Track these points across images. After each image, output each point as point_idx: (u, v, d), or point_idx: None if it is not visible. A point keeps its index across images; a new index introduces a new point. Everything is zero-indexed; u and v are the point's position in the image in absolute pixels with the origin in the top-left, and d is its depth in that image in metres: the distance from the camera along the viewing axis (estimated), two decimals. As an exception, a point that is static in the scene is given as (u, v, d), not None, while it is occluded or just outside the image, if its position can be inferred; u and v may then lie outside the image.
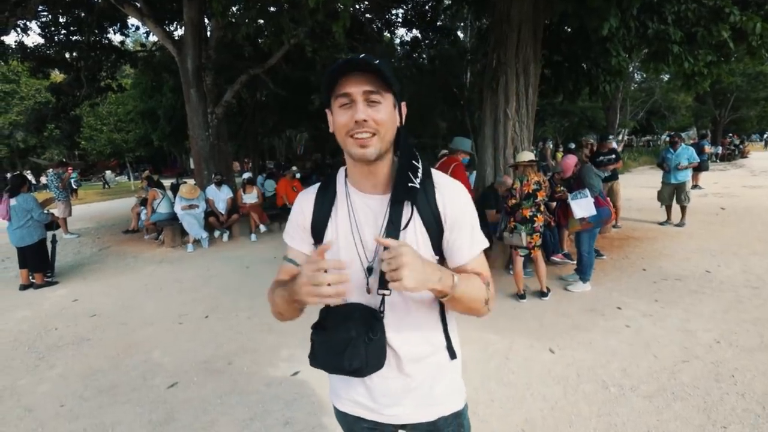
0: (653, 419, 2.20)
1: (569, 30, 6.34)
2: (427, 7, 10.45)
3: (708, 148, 15.64)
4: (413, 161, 0.92)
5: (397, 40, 16.18)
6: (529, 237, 3.78)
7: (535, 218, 3.78)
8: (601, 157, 6.82)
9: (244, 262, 5.94)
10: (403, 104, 0.93)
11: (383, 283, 0.86)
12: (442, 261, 0.97)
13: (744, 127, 27.79)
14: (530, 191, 3.76)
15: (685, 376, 2.57)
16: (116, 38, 10.06)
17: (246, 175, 7.91)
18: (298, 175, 8.32)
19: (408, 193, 0.89)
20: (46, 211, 5.38)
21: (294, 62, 10.50)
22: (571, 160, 4.76)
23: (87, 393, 2.73)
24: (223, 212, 7.42)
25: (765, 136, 32.78)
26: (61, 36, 9.01)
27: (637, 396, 2.40)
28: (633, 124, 23.41)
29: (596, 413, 2.27)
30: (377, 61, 0.82)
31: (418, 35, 11.91)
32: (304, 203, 1.01)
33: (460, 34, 15.08)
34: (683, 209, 6.71)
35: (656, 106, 24.04)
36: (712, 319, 3.35)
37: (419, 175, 0.91)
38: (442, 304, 0.98)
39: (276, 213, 8.07)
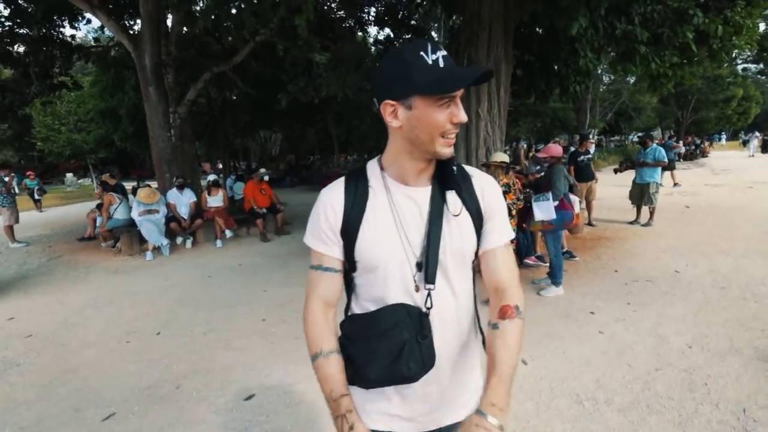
0: (628, 436, 2.08)
1: (540, 30, 6.33)
2: (399, 6, 10.31)
3: (677, 144, 16.30)
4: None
5: (371, 39, 15.97)
6: (498, 241, 3.66)
7: (506, 222, 3.65)
8: (582, 157, 6.85)
9: (206, 271, 5.59)
10: None
11: (430, 276, 0.86)
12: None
13: (704, 127, 29.13)
14: None
15: (660, 386, 2.48)
16: (68, 32, 9.41)
17: (210, 177, 7.51)
18: (266, 178, 7.97)
19: (455, 181, 0.91)
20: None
21: (265, 60, 10.11)
22: (557, 148, 4.59)
23: (6, 431, 2.38)
24: (185, 217, 7.01)
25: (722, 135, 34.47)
26: (5, 28, 8.30)
27: (611, 410, 2.28)
28: (602, 124, 24.13)
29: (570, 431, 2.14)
30: (489, 72, 0.80)
31: (391, 34, 11.75)
32: (333, 198, 0.92)
33: (434, 33, 15.02)
34: (650, 210, 6.81)
35: (624, 107, 24.89)
36: (683, 322, 3.31)
37: (455, 164, 0.92)
38: (475, 295, 0.99)
39: (243, 217, 7.71)
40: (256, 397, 2.57)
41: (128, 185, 10.80)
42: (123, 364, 3.10)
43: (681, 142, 20.99)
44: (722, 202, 8.56)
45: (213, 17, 5.67)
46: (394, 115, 0.83)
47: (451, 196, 0.91)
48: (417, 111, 0.80)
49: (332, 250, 0.92)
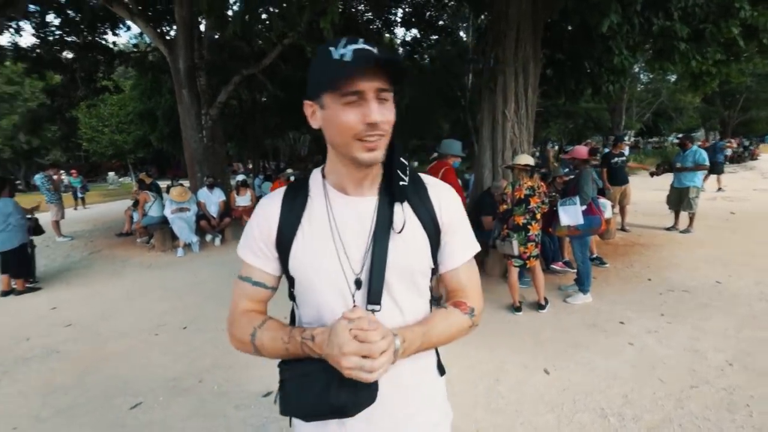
0: (657, 457, 1.96)
1: (571, 28, 6.11)
2: (426, 6, 10.25)
3: (730, 144, 15.20)
4: (401, 158, 0.83)
5: (398, 41, 15.97)
6: (522, 246, 3.55)
7: (529, 226, 3.54)
8: (615, 159, 6.58)
9: (234, 268, 5.74)
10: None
11: (373, 297, 0.78)
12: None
13: (754, 128, 27.24)
14: (522, 197, 3.52)
15: (694, 405, 2.32)
16: (111, 38, 9.97)
17: (239, 177, 7.73)
18: (292, 178, 8.11)
19: (402, 192, 0.82)
20: (28, 216, 5.24)
21: (293, 63, 10.32)
22: (582, 150, 4.42)
23: (44, 413, 2.54)
24: (215, 215, 7.25)
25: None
26: (55, 36, 8.89)
27: (639, 428, 2.16)
28: (639, 125, 23.04)
29: (593, 448, 2.04)
30: (392, 56, 0.72)
31: (418, 35, 11.70)
32: (268, 208, 0.85)
33: (462, 34, 14.85)
34: (689, 216, 6.42)
35: (663, 107, 23.64)
36: (723, 337, 3.09)
37: (407, 173, 0.84)
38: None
39: (270, 216, 7.88)
40: (274, 394, 2.61)
41: (164, 184, 11.31)
42: (151, 356, 3.24)
43: (733, 141, 19.64)
44: (772, 208, 7.96)
45: (243, 22, 5.85)
46: (314, 116, 0.78)
47: (398, 209, 0.82)
48: (327, 111, 0.74)
49: (264, 264, 0.85)
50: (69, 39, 9.05)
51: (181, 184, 7.91)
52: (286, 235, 0.82)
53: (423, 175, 0.91)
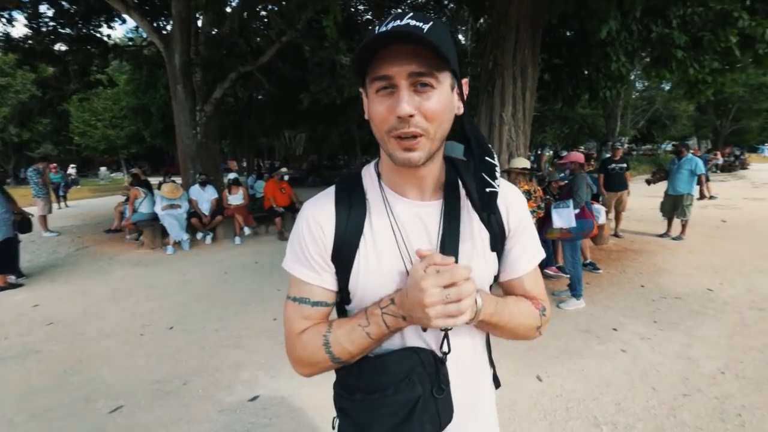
0: (650, 468, 1.93)
1: (569, 33, 6.12)
2: (426, 8, 10.23)
3: (715, 156, 15.54)
4: (487, 157, 0.70)
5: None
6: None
7: (525, 230, 3.51)
8: (613, 165, 6.58)
9: (223, 267, 5.66)
10: (465, 81, 0.69)
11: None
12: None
13: (745, 138, 27.62)
14: None
15: (687, 414, 2.29)
16: (105, 31, 9.83)
17: (231, 176, 7.63)
18: (286, 177, 8.04)
19: (489, 201, 0.70)
20: (15, 211, 5.11)
21: (291, 61, 10.25)
22: (579, 154, 4.43)
23: (18, 417, 2.44)
24: (206, 213, 7.15)
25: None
26: (49, 27, 8.73)
27: (632, 437, 2.13)
28: (633, 132, 23.23)
29: (586, 458, 2.00)
30: (428, 28, 0.58)
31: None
32: (319, 217, 0.73)
33: (460, 37, 14.87)
34: (682, 223, 6.45)
35: (657, 114, 23.88)
36: (715, 344, 3.08)
37: (497, 175, 0.71)
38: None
39: (262, 215, 7.79)
40: (261, 399, 2.54)
41: (156, 181, 11.16)
42: (135, 357, 3.15)
43: (718, 153, 20.04)
44: (763, 217, 8.03)
45: (241, 18, 5.78)
46: (366, 105, 0.68)
47: (467, 216, 0.74)
48: (366, 99, 0.66)
49: (323, 280, 0.73)
50: (62, 31, 8.89)
51: (173, 181, 7.79)
52: (347, 248, 0.71)
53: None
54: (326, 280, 0.73)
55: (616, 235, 6.64)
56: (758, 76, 18.33)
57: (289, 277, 0.75)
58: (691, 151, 7.40)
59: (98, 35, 9.48)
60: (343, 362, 0.71)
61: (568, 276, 4.23)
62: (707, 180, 10.78)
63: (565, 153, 10.79)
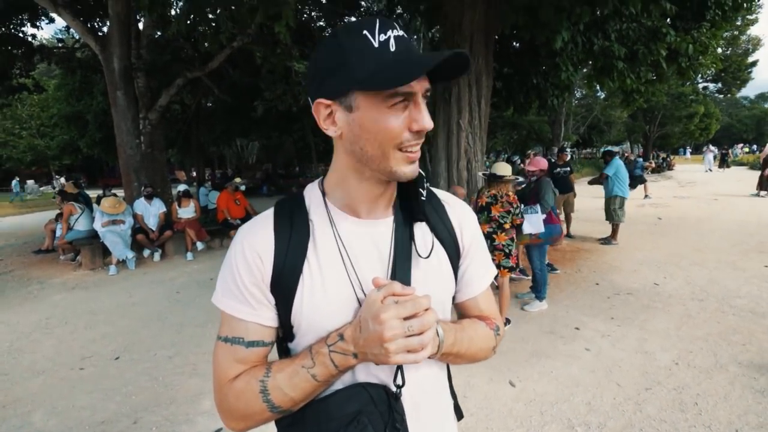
0: (624, 465, 1.98)
1: (517, 44, 6.41)
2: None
3: (650, 164, 17.19)
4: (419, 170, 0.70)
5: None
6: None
7: (494, 235, 3.54)
8: (558, 169, 6.88)
9: (174, 286, 5.25)
10: None
11: None
12: None
13: (670, 142, 30.57)
14: (483, 204, 3.52)
15: (651, 407, 2.40)
16: (30, 31, 8.86)
17: (181, 187, 7.15)
18: (242, 188, 7.68)
19: (424, 210, 0.69)
20: None
21: (242, 68, 9.87)
22: (544, 161, 4.50)
23: (-75, 482, 2.06)
24: (154, 229, 6.63)
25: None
26: (-41, 26, 7.78)
27: (604, 436, 2.18)
28: (575, 137, 24.91)
29: (564, 462, 2.02)
30: (463, 54, 0.59)
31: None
32: (256, 242, 0.65)
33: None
34: (612, 226, 6.50)
35: (595, 121, 25.80)
36: (667, 337, 3.28)
37: (425, 186, 0.70)
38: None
39: (216, 228, 7.37)
40: (225, 431, 2.33)
41: (94, 194, 10.23)
42: (74, 396, 2.79)
43: (652, 161, 22.12)
44: (691, 214, 8.85)
45: (188, 21, 5.45)
46: (331, 119, 0.62)
47: (420, 231, 0.70)
48: (360, 113, 0.59)
49: (260, 315, 0.65)
50: (-24, 29, 7.95)
51: (114, 194, 7.17)
52: (288, 275, 0.63)
53: (437, 190, 0.78)
54: (263, 316, 0.65)
55: (568, 235, 6.98)
56: (678, 86, 20.45)
57: (221, 314, 0.67)
58: (626, 154, 8.01)
59: (21, 35, 8.57)
60: (283, 411, 0.63)
61: (529, 278, 4.37)
62: (644, 181, 11.75)
63: (517, 158, 11.29)
